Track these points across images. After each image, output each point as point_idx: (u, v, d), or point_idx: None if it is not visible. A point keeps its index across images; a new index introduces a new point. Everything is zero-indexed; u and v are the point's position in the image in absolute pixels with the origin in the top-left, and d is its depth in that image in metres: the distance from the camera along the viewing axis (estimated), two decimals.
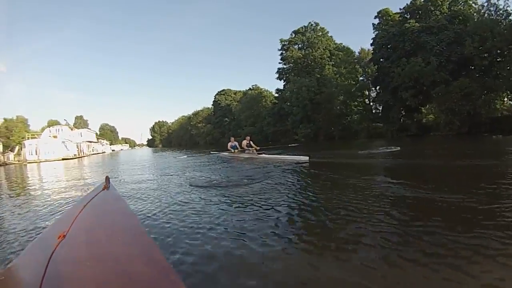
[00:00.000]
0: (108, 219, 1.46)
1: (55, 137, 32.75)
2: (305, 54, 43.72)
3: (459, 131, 26.64)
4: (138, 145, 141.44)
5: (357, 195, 3.88)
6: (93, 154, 45.93)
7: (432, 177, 5.42)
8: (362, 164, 8.26)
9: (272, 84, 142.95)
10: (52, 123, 54.25)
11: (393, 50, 32.10)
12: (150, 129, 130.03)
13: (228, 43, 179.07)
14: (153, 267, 0.91)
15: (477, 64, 26.86)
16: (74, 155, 33.40)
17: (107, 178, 1.88)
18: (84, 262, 0.99)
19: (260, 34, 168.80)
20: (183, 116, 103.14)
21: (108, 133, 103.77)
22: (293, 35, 45.74)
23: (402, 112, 31.63)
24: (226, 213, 3.36)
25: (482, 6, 28.47)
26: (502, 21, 26.04)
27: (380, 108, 35.41)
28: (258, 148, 11.75)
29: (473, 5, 31.26)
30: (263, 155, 10.60)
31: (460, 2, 31.83)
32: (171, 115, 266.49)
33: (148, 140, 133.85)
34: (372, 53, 35.52)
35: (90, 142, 48.27)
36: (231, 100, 72.25)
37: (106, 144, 75.00)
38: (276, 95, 48.39)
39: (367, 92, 36.86)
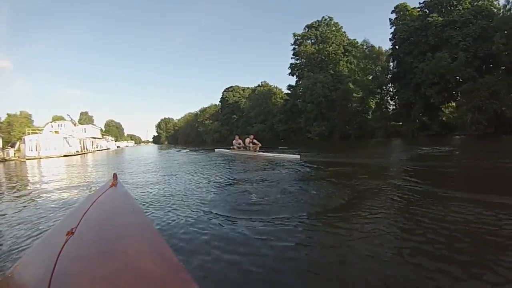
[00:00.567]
0: (117, 216, 1.45)
1: (56, 132, 31.35)
2: (319, 49, 42.29)
3: (485, 131, 25.18)
4: (144, 141, 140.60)
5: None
6: (97, 150, 44.78)
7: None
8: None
9: (280, 82, 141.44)
10: (57, 119, 53.23)
11: (415, 45, 30.52)
12: (156, 126, 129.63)
13: (235, 41, 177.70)
14: (164, 265, 0.91)
15: (504, 61, 25.37)
16: (77, 151, 32.20)
17: (115, 175, 1.90)
18: (94, 259, 0.98)
19: (267, 31, 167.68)
20: (190, 113, 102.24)
21: (113, 130, 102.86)
22: (306, 30, 44.30)
23: (424, 110, 30.01)
24: (234, 208, 3.43)
25: (508, 1, 27.24)
26: None
27: (398, 106, 33.76)
28: (260, 145, 12.50)
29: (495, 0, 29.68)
30: (261, 153, 11.51)
31: None
32: (177, 112, 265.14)
33: (154, 137, 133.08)
34: (391, 48, 33.99)
35: (94, 138, 47.01)
36: (239, 97, 71.02)
37: (111, 140, 73.83)
38: (288, 91, 46.96)
39: (384, 89, 35.13)
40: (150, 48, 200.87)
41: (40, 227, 3.02)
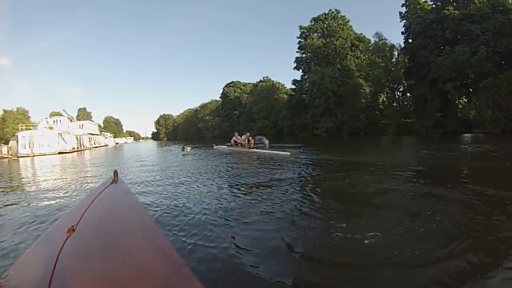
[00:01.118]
0: (118, 212, 1.45)
1: (50, 128, 29.30)
2: (326, 42, 40.68)
3: (505, 129, 23.84)
4: (143, 138, 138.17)
5: None
6: (95, 147, 43.10)
7: None
8: None
9: (281, 77, 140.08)
10: (54, 115, 51.50)
11: (431, 39, 28.98)
12: (155, 122, 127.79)
13: (235, 36, 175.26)
14: (166, 261, 0.92)
15: None
16: (73, 148, 30.32)
17: (116, 172, 1.91)
18: (95, 256, 0.98)
19: (268, 27, 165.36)
20: (189, 109, 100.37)
21: (112, 126, 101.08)
22: (313, 23, 42.63)
23: (439, 106, 28.49)
24: (230, 201, 3.55)
25: None
26: None
27: (411, 102, 32.28)
28: (254, 143, 13.17)
29: None
30: (254, 149, 12.04)
31: None
32: (177, 109, 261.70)
33: (153, 133, 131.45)
34: (404, 42, 32.50)
35: (92, 134, 45.22)
36: (240, 93, 69.41)
37: (110, 136, 72.08)
38: (293, 86, 45.30)
39: (396, 84, 33.57)
40: (149, 45, 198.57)
41: (39, 225, 2.96)
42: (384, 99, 33.56)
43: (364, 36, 42.34)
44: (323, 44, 40.80)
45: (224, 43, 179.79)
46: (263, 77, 62.25)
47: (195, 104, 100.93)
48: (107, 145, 54.69)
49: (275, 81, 57.73)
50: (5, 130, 43.91)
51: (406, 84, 32.26)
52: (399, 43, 32.97)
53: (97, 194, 1.57)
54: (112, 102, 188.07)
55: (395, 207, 2.94)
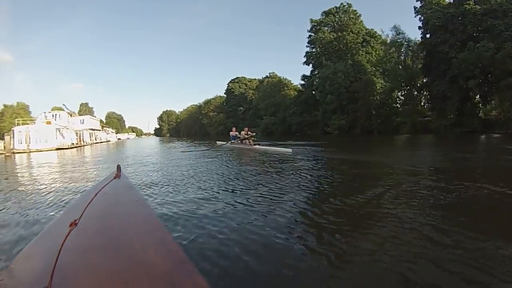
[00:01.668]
0: (121, 207, 1.44)
1: (48, 123, 27.81)
2: (337, 37, 39.36)
3: None
4: (145, 134, 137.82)
5: None
6: (96, 143, 42.07)
7: None
8: None
9: (287, 74, 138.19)
10: (56, 110, 50.28)
11: (451, 34, 27.68)
12: (157, 118, 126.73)
13: (237, 33, 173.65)
14: (169, 257, 0.92)
15: None
16: (72, 144, 29.20)
17: (119, 167, 1.92)
18: (98, 251, 0.98)
19: (273, 22, 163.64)
20: (193, 105, 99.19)
21: (114, 122, 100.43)
22: (324, 16, 41.28)
23: (459, 104, 27.24)
24: (233, 197, 3.57)
25: None
26: None
27: (429, 99, 31.06)
28: (254, 135, 13.31)
29: None
30: (257, 146, 12.10)
31: None
32: (180, 105, 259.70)
33: (155, 129, 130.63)
34: (421, 37, 31.19)
35: (93, 130, 44.04)
36: (245, 89, 68.20)
37: (112, 132, 71.15)
38: (302, 82, 44.04)
39: (415, 81, 32.26)
40: (152, 42, 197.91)
41: (41, 219, 2.91)
42: (400, 96, 32.21)
43: (375, 32, 41.04)
44: (334, 38, 39.46)
45: (226, 40, 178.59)
46: (269, 73, 61.10)
47: (198, 101, 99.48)
48: (108, 141, 53.67)
49: (281, 77, 56.52)
50: (1, 124, 42.69)
51: (424, 81, 30.93)
52: (416, 38, 31.57)
53: (100, 189, 1.55)
54: (115, 98, 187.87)
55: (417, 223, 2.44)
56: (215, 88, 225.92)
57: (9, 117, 41.53)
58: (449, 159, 7.33)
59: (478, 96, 26.13)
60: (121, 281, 0.79)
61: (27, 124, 27.54)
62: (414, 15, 32.82)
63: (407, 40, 30.80)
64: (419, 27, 31.85)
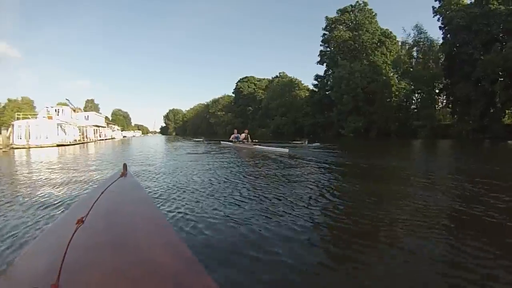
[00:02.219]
0: (127, 206, 1.44)
1: (49, 118, 26.57)
2: (353, 36, 38.34)
3: None
4: (151, 132, 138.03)
5: None
6: (101, 140, 41.29)
7: None
8: None
9: (296, 75, 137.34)
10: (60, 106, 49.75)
11: (476, 34, 26.56)
12: (164, 117, 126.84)
13: (248, 32, 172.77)
14: (177, 257, 0.92)
15: None
16: (75, 140, 28.39)
17: (125, 165, 1.90)
18: (105, 249, 0.98)
19: (283, 21, 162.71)
20: (200, 104, 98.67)
21: (120, 119, 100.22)
22: (339, 14, 40.28)
23: (483, 109, 26.09)
24: (239, 196, 3.63)
25: None
26: None
27: (451, 103, 29.92)
28: (255, 140, 14.57)
29: None
30: (257, 146, 12.94)
31: None
32: (186, 104, 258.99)
33: (162, 128, 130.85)
34: (443, 37, 30.13)
35: (98, 126, 43.22)
36: (254, 88, 67.38)
37: (117, 129, 70.64)
38: (315, 82, 42.97)
39: (435, 83, 31.16)
40: (160, 41, 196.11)
41: (45, 216, 2.89)
42: (419, 98, 31.10)
43: (390, 32, 39.99)
44: (349, 37, 38.45)
45: (234, 40, 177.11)
46: (279, 73, 60.36)
47: (205, 100, 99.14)
48: (113, 138, 52.96)
49: (292, 77, 55.61)
50: (2, 118, 41.94)
51: (445, 83, 29.82)
52: (438, 38, 30.46)
53: (106, 187, 1.55)
54: (121, 96, 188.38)
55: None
56: (222, 88, 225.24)
57: (11, 111, 40.71)
58: (479, 169, 6.77)
59: (502, 100, 24.84)
60: (129, 280, 0.78)
61: (28, 118, 26.74)
62: (433, 14, 32.09)
63: (430, 40, 29.57)
64: (440, 27, 30.82)
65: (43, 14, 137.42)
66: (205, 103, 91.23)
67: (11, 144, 21.83)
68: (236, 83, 71.74)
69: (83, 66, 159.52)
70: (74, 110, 37.28)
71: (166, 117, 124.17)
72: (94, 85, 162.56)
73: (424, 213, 2.93)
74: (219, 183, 4.64)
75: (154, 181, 4.82)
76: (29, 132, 23.55)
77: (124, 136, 69.75)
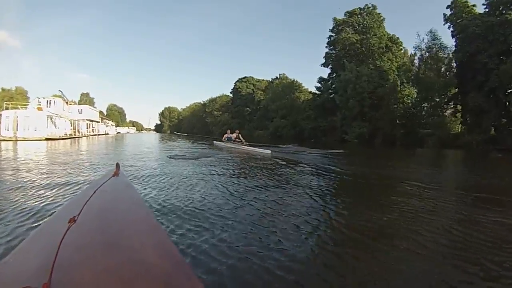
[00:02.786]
0: (119, 206, 1.44)
1: (39, 109, 24.65)
2: (360, 39, 37.25)
3: None
4: (146, 129, 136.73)
5: None
6: (94, 135, 39.42)
7: None
8: None
9: (297, 77, 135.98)
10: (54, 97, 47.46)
11: (491, 43, 25.58)
12: (159, 114, 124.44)
13: (247, 33, 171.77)
14: (166, 257, 0.93)
15: None
16: (65, 134, 26.63)
17: (118, 165, 1.90)
18: (97, 249, 0.98)
19: (282, 26, 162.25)
20: (196, 103, 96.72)
21: (115, 114, 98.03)
22: (347, 16, 39.22)
23: (496, 120, 25.09)
24: (230, 196, 3.84)
25: None
26: None
27: (462, 112, 28.91)
28: (244, 141, 15.06)
29: None
30: (245, 147, 13.88)
31: None
32: (182, 103, 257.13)
33: (156, 125, 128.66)
34: (455, 45, 29.16)
35: (91, 121, 41.45)
36: (253, 89, 65.90)
37: (112, 125, 68.66)
38: (318, 85, 41.61)
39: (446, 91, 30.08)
40: (159, 38, 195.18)
41: (37, 214, 2.87)
42: (428, 106, 29.99)
43: (397, 38, 39.09)
44: (357, 40, 37.34)
45: (233, 40, 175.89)
46: (279, 74, 59.05)
47: (201, 99, 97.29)
48: (107, 134, 50.99)
49: (293, 79, 54.33)
50: None
51: (455, 91, 28.83)
52: (451, 45, 29.47)
53: (99, 186, 1.53)
54: (118, 91, 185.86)
55: None
56: (219, 88, 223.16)
57: (1, 100, 38.47)
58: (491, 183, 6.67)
59: None
60: (120, 279, 0.79)
61: (17, 108, 24.78)
62: (443, 22, 31.37)
63: (444, 47, 28.52)
64: (452, 35, 30.00)
65: (47, 4, 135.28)
66: (202, 102, 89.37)
67: None
68: (235, 83, 70.13)
69: (82, 59, 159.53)
70: (67, 103, 34.98)
71: (162, 114, 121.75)
72: (92, 78, 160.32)
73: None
74: (210, 180, 4.96)
75: (146, 180, 4.92)
76: (17, 123, 21.75)
77: (118, 132, 67.94)
